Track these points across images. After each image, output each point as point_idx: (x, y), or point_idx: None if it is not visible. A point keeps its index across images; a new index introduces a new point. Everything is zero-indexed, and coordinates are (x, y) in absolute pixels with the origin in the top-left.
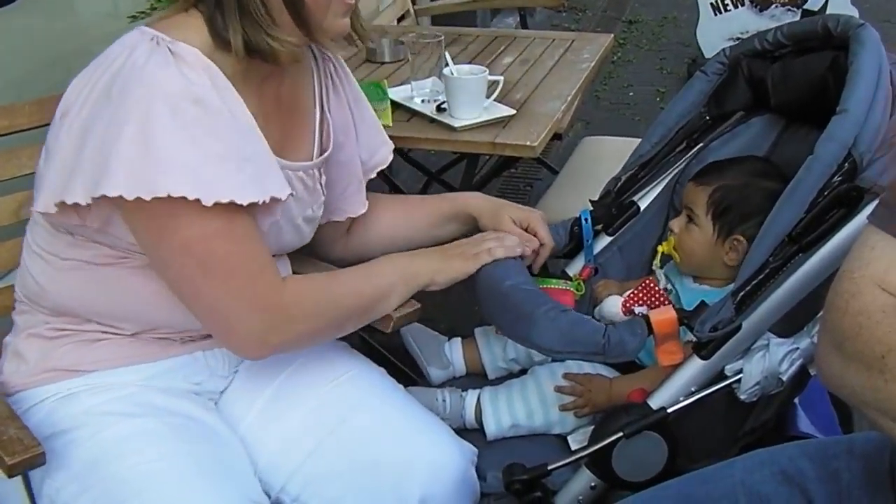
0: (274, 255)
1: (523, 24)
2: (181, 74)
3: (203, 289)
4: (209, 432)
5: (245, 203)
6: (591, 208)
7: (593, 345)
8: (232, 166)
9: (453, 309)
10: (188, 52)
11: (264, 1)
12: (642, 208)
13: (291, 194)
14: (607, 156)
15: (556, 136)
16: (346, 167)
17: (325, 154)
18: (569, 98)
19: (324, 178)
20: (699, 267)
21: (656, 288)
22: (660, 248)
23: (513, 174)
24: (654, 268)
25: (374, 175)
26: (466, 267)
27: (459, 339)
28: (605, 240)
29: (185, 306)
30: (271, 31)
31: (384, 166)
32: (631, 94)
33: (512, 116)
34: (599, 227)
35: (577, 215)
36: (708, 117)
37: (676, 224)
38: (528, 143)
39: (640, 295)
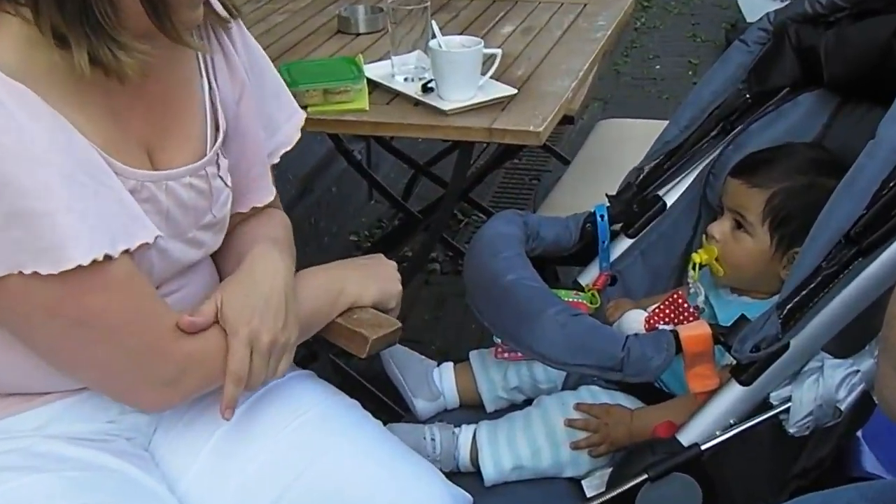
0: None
1: None
2: None
3: (84, 352)
4: (130, 488)
5: (88, 262)
6: (609, 204)
7: (609, 357)
8: (71, 218)
9: (445, 328)
10: None
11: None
12: (669, 205)
13: (159, 237)
14: (628, 142)
15: (567, 120)
16: (248, 145)
17: (219, 139)
18: (581, 74)
19: (223, 169)
20: (747, 281)
21: (686, 305)
22: (695, 258)
23: (516, 165)
24: (689, 280)
25: (277, 160)
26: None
27: (451, 364)
28: (624, 242)
29: (56, 370)
30: (120, 37)
31: (288, 147)
32: (657, 67)
33: (513, 97)
34: (618, 227)
35: (591, 211)
36: (748, 95)
37: (719, 230)
38: (531, 128)
39: (668, 311)
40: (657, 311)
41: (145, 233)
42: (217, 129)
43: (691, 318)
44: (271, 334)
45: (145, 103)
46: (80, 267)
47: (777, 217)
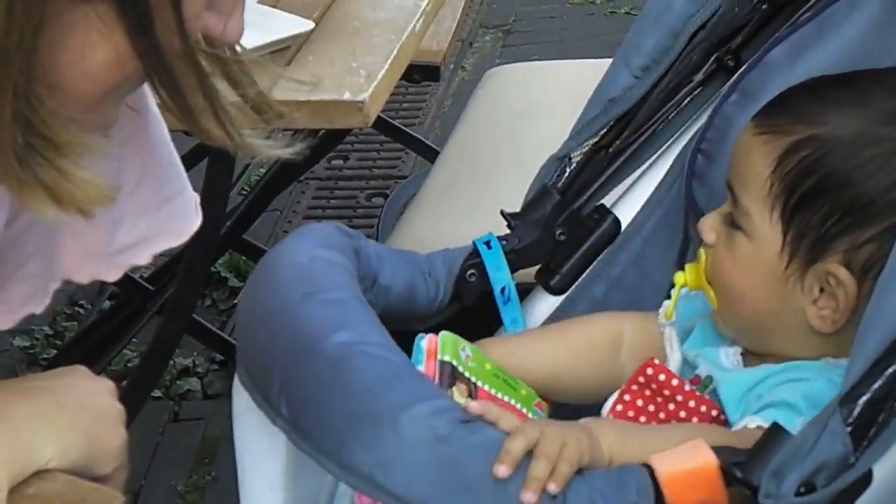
0: None
1: None
2: None
3: None
4: None
5: None
6: (508, 231)
7: None
8: None
9: (221, 491)
10: None
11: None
12: (624, 224)
13: None
14: (542, 106)
15: (427, 74)
16: None
17: None
18: None
19: None
20: (752, 326)
21: (672, 382)
22: (676, 280)
23: (337, 171)
24: (659, 320)
25: None
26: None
27: None
28: (545, 302)
29: None
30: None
31: None
32: None
33: (307, 37)
34: (530, 272)
35: (474, 242)
36: None
37: (709, 227)
38: (347, 96)
39: (642, 395)
40: (626, 394)
41: None
42: None
43: (684, 409)
44: None
45: None
46: None
47: (793, 193)
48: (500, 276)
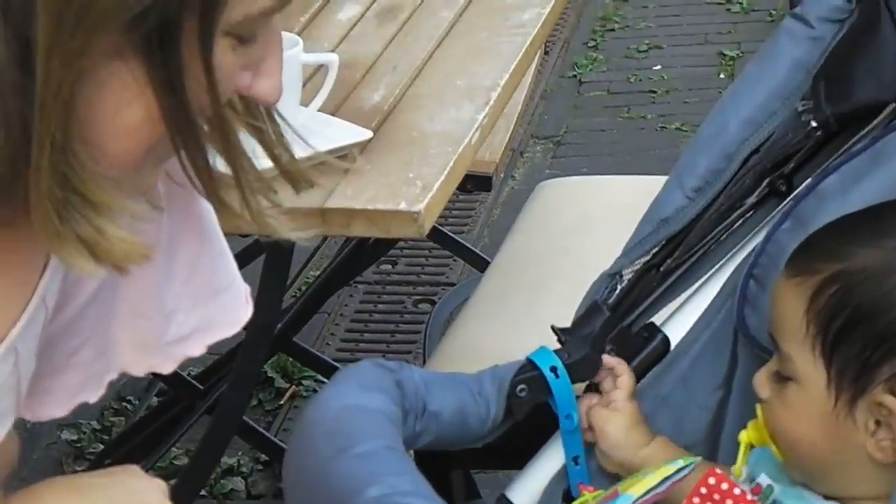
0: None
1: None
2: None
3: None
4: None
5: None
6: (560, 346)
7: None
8: None
9: None
10: None
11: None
12: (674, 343)
13: None
14: (593, 221)
15: (479, 184)
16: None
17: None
18: (497, 93)
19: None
20: (819, 470)
21: (731, 489)
22: (741, 438)
23: (384, 278)
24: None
25: None
26: None
27: None
28: None
29: None
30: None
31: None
32: (655, 67)
33: (365, 145)
34: (578, 387)
35: (526, 359)
36: (814, 123)
37: (762, 382)
38: (403, 206)
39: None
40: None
41: None
42: None
43: None
44: None
45: None
46: None
47: (828, 329)
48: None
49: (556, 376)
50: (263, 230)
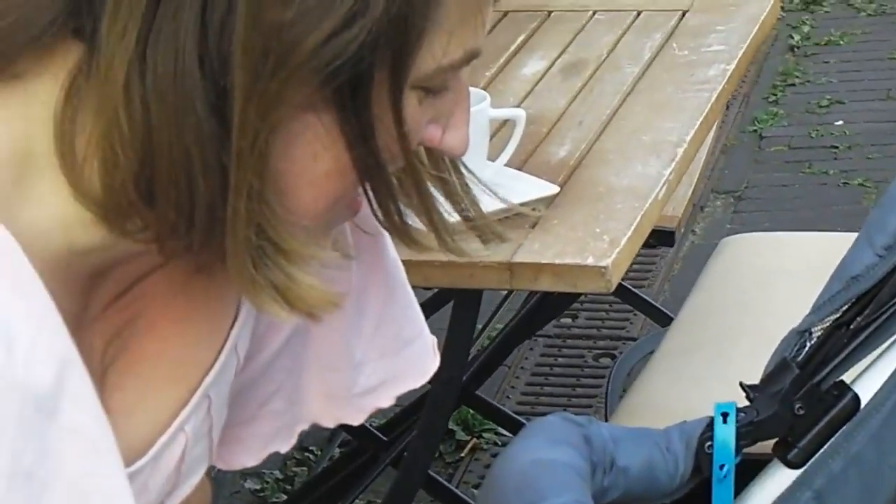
0: None
1: None
2: None
3: None
4: None
5: None
6: (747, 402)
7: None
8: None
9: None
10: None
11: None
12: (864, 401)
13: None
14: (778, 276)
15: (663, 240)
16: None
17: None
18: (683, 149)
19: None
20: None
21: None
22: None
23: (565, 332)
24: None
25: None
26: None
27: None
28: (781, 475)
29: None
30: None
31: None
32: (836, 122)
33: (552, 199)
34: (767, 444)
35: (711, 418)
36: None
37: None
38: (590, 261)
39: None
40: None
41: None
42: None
43: None
44: None
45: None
46: None
47: None
48: (726, 454)
49: (725, 422)
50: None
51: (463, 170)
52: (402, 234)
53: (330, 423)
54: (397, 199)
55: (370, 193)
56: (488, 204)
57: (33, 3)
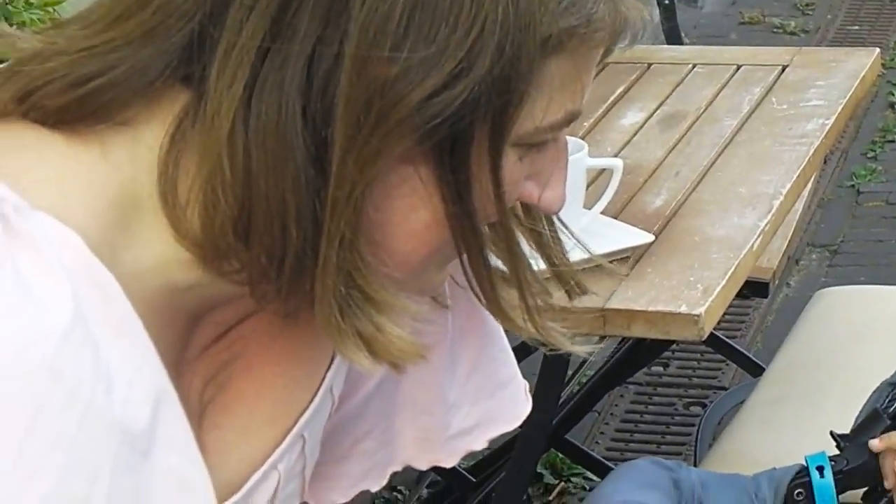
0: None
1: (669, 37)
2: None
3: None
4: None
5: None
6: (837, 451)
7: None
8: None
9: None
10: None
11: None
12: None
13: None
14: (874, 329)
15: (757, 290)
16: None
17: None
18: (779, 201)
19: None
20: None
21: None
22: None
23: (656, 379)
24: None
25: None
26: None
27: None
28: None
29: None
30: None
31: None
32: None
33: (646, 249)
34: (856, 494)
35: (803, 465)
36: None
37: None
38: (683, 309)
39: None
40: None
41: None
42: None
43: None
44: None
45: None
46: None
47: None
48: (825, 492)
49: (822, 476)
50: (545, 340)
51: (556, 221)
52: (490, 297)
53: (423, 466)
54: (488, 260)
55: (462, 249)
56: (580, 254)
57: (148, 52)
